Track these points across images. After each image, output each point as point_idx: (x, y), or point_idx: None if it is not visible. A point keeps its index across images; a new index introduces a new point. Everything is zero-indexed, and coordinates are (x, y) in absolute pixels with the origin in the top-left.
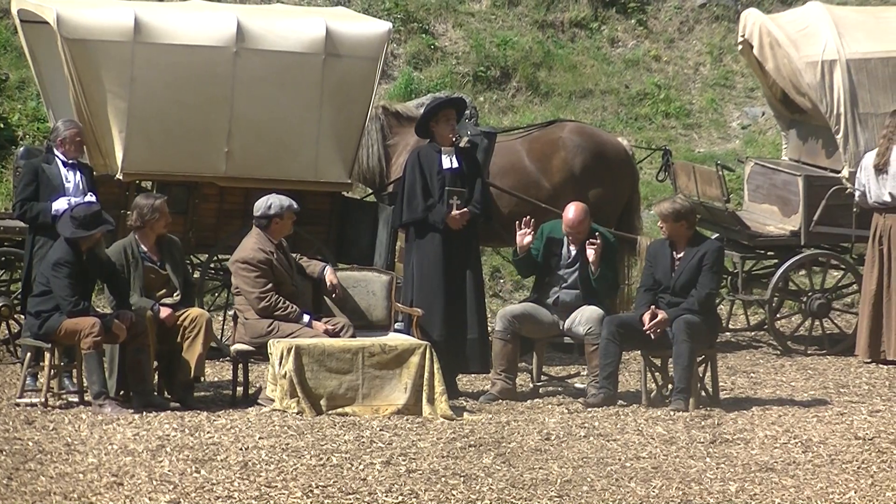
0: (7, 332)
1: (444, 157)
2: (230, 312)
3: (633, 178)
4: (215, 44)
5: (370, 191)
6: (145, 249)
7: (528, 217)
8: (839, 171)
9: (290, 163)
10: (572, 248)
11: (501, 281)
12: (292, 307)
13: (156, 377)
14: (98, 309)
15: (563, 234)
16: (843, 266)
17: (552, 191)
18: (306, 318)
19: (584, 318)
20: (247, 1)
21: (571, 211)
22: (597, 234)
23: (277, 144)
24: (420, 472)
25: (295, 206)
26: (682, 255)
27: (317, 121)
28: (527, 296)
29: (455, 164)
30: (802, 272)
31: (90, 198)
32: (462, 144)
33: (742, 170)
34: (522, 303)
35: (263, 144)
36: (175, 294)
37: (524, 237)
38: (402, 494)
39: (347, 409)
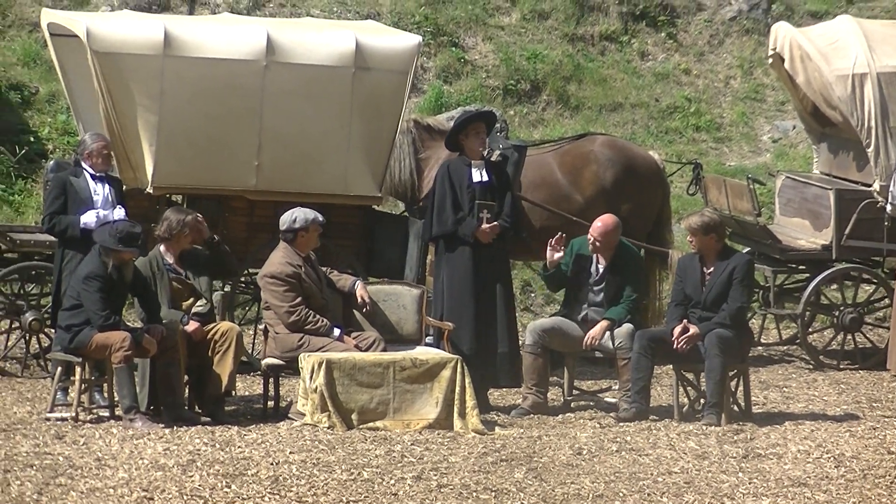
0: (38, 346)
1: (473, 170)
2: (260, 326)
3: (664, 192)
4: (245, 57)
5: (401, 204)
6: (169, 261)
7: (560, 234)
8: (870, 185)
9: (320, 176)
10: (600, 265)
11: (532, 295)
12: (322, 321)
13: (186, 391)
14: (129, 323)
15: (589, 246)
16: (874, 280)
17: (583, 204)
18: (336, 332)
19: (615, 332)
20: (276, 15)
21: (599, 220)
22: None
23: (307, 158)
24: (451, 487)
25: (320, 218)
26: (711, 269)
27: (346, 134)
28: (557, 310)
29: (485, 178)
30: (834, 286)
31: (119, 211)
32: (494, 158)
33: (773, 183)
34: (553, 317)
35: (293, 157)
36: (201, 303)
37: (554, 253)
38: None
39: (378, 424)
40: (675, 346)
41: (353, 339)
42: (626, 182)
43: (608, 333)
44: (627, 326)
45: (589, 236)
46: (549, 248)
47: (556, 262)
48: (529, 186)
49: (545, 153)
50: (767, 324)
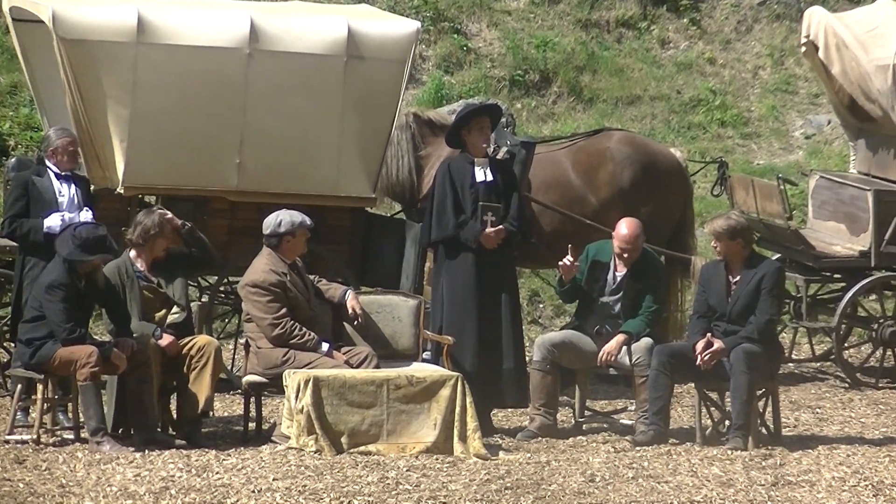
0: None
1: (477, 169)
2: (241, 340)
3: (687, 193)
4: (227, 45)
5: (396, 206)
6: (140, 268)
7: (570, 246)
8: None
9: (309, 175)
10: (618, 273)
11: (541, 306)
12: (309, 335)
13: (159, 412)
14: (95, 336)
15: (611, 255)
16: None
17: (599, 207)
18: (325, 346)
19: (632, 347)
20: None
21: (624, 226)
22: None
23: (294, 155)
24: None
25: (308, 222)
26: (738, 278)
27: (338, 129)
28: (568, 322)
29: (489, 177)
30: (873, 297)
31: (86, 213)
32: (499, 156)
33: (806, 184)
34: (563, 330)
35: (279, 155)
36: (175, 311)
37: (569, 269)
38: None
39: (371, 448)
40: (697, 362)
41: (344, 354)
42: (646, 182)
43: (625, 348)
44: (646, 341)
45: (615, 244)
46: (563, 262)
47: (573, 274)
48: (539, 187)
49: (556, 151)
50: (799, 338)
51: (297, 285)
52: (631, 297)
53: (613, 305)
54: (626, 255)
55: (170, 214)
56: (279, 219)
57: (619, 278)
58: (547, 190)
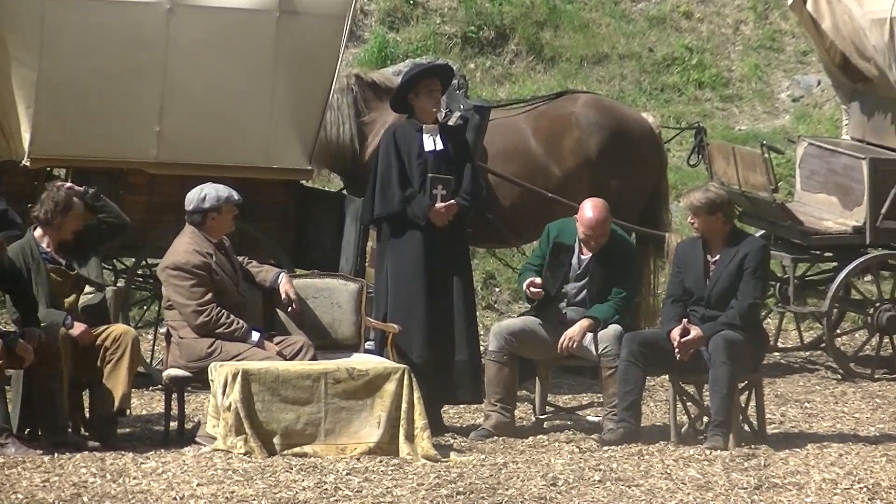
0: None
1: (425, 136)
2: (162, 330)
3: (661, 163)
4: None
5: (336, 180)
6: (47, 249)
7: (531, 280)
8: None
9: (237, 145)
10: (583, 256)
11: (497, 290)
12: (238, 323)
13: (70, 410)
14: None
15: (575, 236)
16: None
17: (563, 178)
18: (256, 336)
19: (599, 336)
20: None
21: (589, 208)
22: (532, 280)
23: (221, 123)
24: None
25: (236, 197)
26: (717, 257)
27: (270, 93)
28: (527, 308)
29: (439, 146)
30: (868, 278)
31: None
32: (451, 122)
33: (793, 152)
34: (522, 317)
35: (203, 123)
36: (89, 291)
37: (537, 293)
38: None
39: (307, 449)
40: (672, 352)
41: (276, 344)
42: (615, 151)
43: (590, 336)
44: (614, 328)
45: (579, 230)
46: (528, 287)
47: (541, 296)
48: (496, 156)
49: (515, 116)
50: (786, 324)
51: (224, 267)
52: (598, 283)
53: (578, 292)
54: (591, 242)
55: (69, 185)
56: (203, 193)
57: (584, 262)
58: (505, 160)
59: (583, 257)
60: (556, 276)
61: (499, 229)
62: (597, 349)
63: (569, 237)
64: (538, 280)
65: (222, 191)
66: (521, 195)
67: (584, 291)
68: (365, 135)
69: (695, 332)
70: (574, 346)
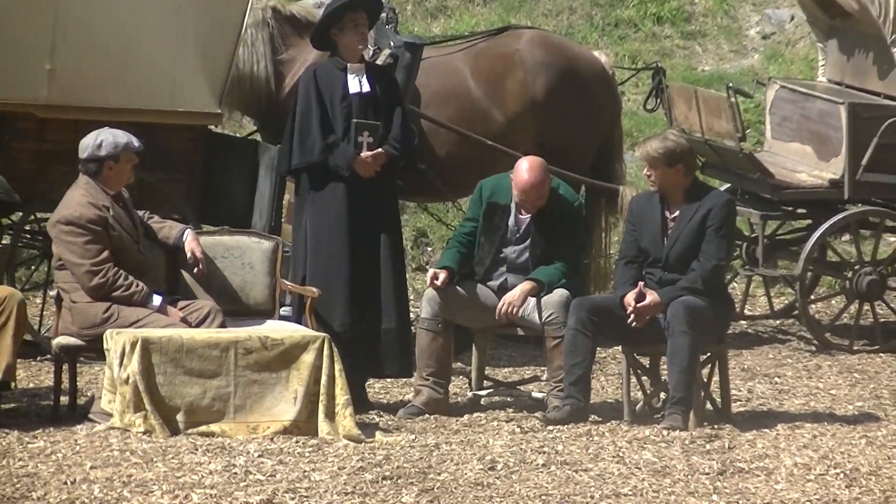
0: None
1: (350, 77)
2: (52, 293)
3: (614, 107)
4: None
5: (249, 125)
6: None
7: (434, 272)
8: None
9: (137, 86)
10: (522, 216)
11: (429, 249)
12: (138, 285)
13: None
14: None
15: (512, 199)
16: None
17: (505, 125)
18: (157, 300)
19: (543, 302)
20: None
21: (525, 170)
22: (435, 272)
23: (119, 60)
24: None
25: (136, 143)
26: (677, 213)
27: (174, 27)
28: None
29: (366, 88)
30: (846, 237)
31: None
32: (380, 61)
33: (763, 95)
34: (461, 280)
35: (100, 60)
36: None
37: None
38: None
39: (214, 428)
40: (627, 319)
41: (181, 310)
42: (564, 94)
43: (533, 301)
44: (560, 293)
45: (514, 192)
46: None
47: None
48: (430, 99)
49: (451, 54)
50: (753, 289)
51: (123, 223)
52: (541, 247)
53: (519, 256)
54: (528, 205)
55: None
56: (100, 139)
57: (523, 223)
58: (440, 103)
59: (521, 217)
60: (492, 241)
61: (432, 182)
62: (540, 317)
63: (504, 196)
64: (443, 275)
65: (121, 137)
66: (457, 143)
67: (526, 255)
68: (282, 74)
69: (651, 296)
70: (514, 312)
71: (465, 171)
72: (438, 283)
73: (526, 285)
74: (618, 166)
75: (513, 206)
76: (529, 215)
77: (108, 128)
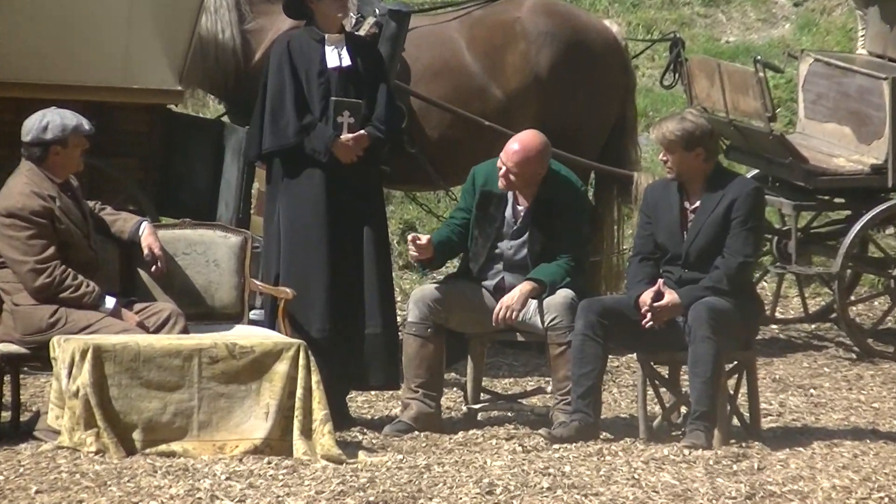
0: None
1: (329, 49)
2: None
3: (627, 83)
4: None
5: (216, 104)
6: None
7: (414, 236)
8: None
9: (87, 60)
10: (520, 206)
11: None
12: (88, 285)
13: None
14: None
15: (500, 180)
16: None
17: (505, 102)
18: (111, 302)
19: (545, 304)
20: None
21: (519, 139)
22: (415, 235)
23: (66, 32)
24: None
25: (86, 126)
26: (697, 204)
27: None
28: (456, 268)
29: (346, 61)
30: (891, 230)
31: None
32: (363, 31)
33: (795, 70)
34: (453, 278)
35: (45, 32)
36: None
37: (424, 247)
38: None
39: (175, 447)
40: (642, 321)
41: (137, 313)
42: (571, 68)
43: (534, 304)
44: (565, 294)
45: (499, 165)
46: (412, 244)
47: (429, 255)
48: (421, 74)
49: (444, 23)
50: (786, 289)
51: (72, 215)
52: (540, 241)
53: (517, 251)
54: (511, 180)
55: None
56: (45, 121)
57: (521, 215)
58: (431, 79)
59: (519, 208)
60: (487, 235)
61: (422, 167)
62: (543, 321)
63: (499, 184)
64: (423, 238)
65: (69, 118)
66: (451, 124)
67: (525, 251)
68: (251, 46)
69: (670, 296)
70: (513, 316)
71: (460, 155)
72: (421, 242)
73: (525, 286)
74: (632, 150)
75: (510, 195)
76: (527, 206)
77: (55, 108)
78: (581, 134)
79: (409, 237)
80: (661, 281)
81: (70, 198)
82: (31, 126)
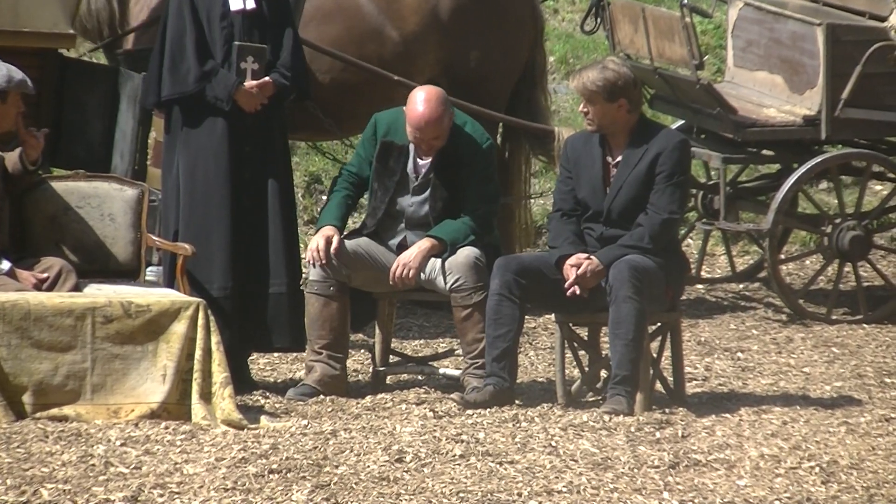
0: None
1: None
2: None
3: (536, 26)
4: None
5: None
6: None
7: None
8: (885, 18)
9: None
10: (422, 161)
11: (323, 198)
12: None
13: None
14: None
15: (408, 139)
16: (892, 175)
17: (402, 47)
18: (6, 265)
19: (448, 264)
20: None
21: (421, 100)
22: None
23: None
24: None
25: (30, 85)
26: (620, 158)
27: None
28: (360, 224)
29: (250, 4)
30: (824, 185)
31: None
32: None
33: (724, 14)
34: (354, 235)
35: None
36: None
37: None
38: None
39: (67, 410)
40: (561, 282)
41: (32, 272)
42: (475, 10)
43: (438, 263)
44: (468, 253)
45: (407, 129)
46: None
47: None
48: (313, 16)
49: None
50: (712, 247)
51: None
52: (443, 198)
53: (419, 207)
54: (423, 146)
55: None
56: None
57: (423, 169)
58: (322, 20)
59: (420, 162)
60: (386, 188)
61: (316, 116)
62: (445, 281)
63: (402, 135)
64: (335, 238)
65: (15, 71)
66: (343, 70)
67: (427, 208)
68: None
69: (589, 263)
70: (410, 275)
71: (354, 101)
72: (332, 250)
73: (425, 243)
74: (543, 99)
75: (411, 148)
76: (430, 160)
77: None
78: (488, 82)
79: (314, 246)
80: (582, 255)
81: None
82: None
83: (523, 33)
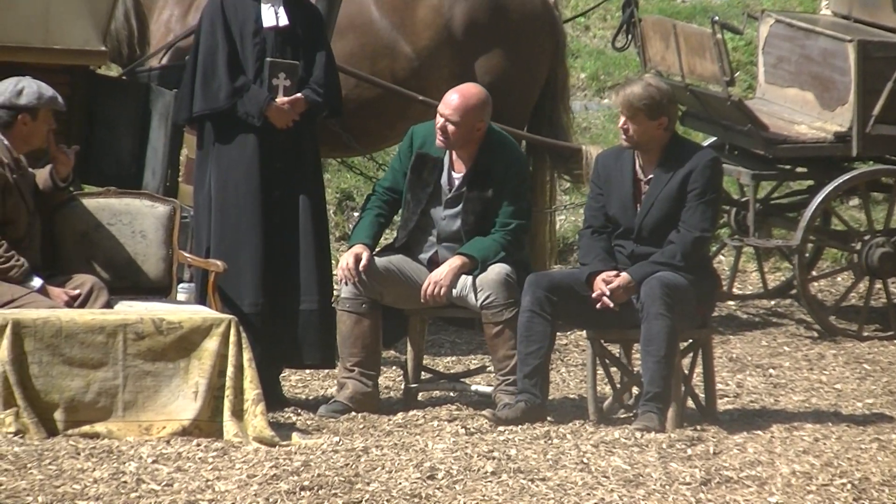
0: None
1: (264, 7)
2: None
3: (556, 41)
4: None
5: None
6: None
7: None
8: None
9: (5, 20)
10: (456, 174)
11: (355, 214)
12: (17, 259)
13: None
14: None
15: (437, 136)
16: None
17: (417, 63)
18: (37, 281)
19: (479, 281)
20: None
21: (460, 87)
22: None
23: None
24: None
25: (61, 102)
26: (652, 175)
27: None
28: (392, 239)
29: (283, 20)
30: (854, 202)
31: None
32: None
33: (755, 31)
34: (386, 251)
35: None
36: None
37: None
38: None
39: (99, 428)
40: (597, 303)
41: (63, 289)
42: (490, 25)
43: (469, 280)
44: (499, 269)
45: (438, 118)
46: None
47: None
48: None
49: None
50: (744, 263)
51: (24, 192)
52: (475, 213)
53: (451, 221)
54: (449, 133)
55: None
56: (21, 86)
57: (457, 180)
58: (337, 37)
59: (455, 175)
60: (419, 200)
61: (335, 131)
62: (476, 298)
63: (435, 147)
64: (365, 255)
65: (46, 89)
66: (356, 87)
67: (459, 221)
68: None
69: (621, 278)
70: (441, 293)
71: (369, 117)
72: (361, 268)
73: (456, 261)
74: (564, 117)
75: (446, 161)
76: (463, 173)
77: (28, 77)
78: (505, 97)
79: (344, 262)
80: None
81: (21, 175)
82: (4, 89)
83: (541, 48)
